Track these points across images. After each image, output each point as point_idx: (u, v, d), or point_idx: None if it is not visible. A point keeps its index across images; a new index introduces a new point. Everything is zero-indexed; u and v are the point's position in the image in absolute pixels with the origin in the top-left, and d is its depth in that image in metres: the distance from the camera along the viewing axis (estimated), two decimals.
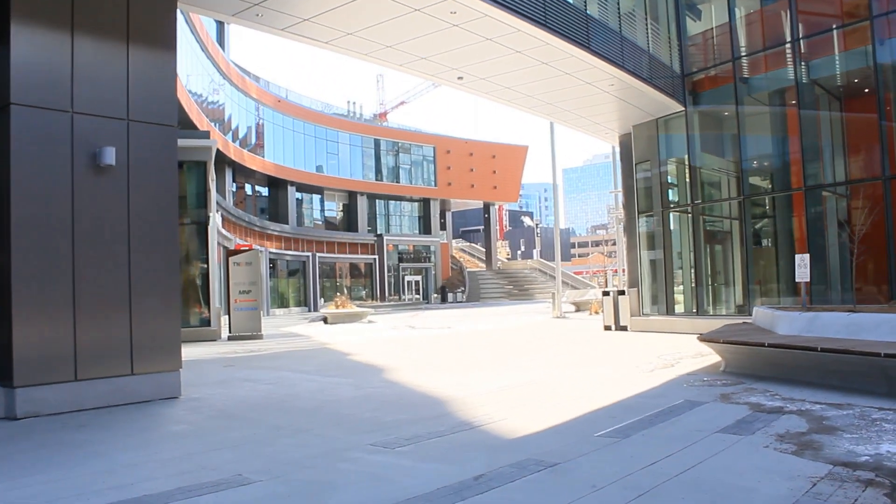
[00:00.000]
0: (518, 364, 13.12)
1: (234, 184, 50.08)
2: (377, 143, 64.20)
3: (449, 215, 74.51)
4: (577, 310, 36.84)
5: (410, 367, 13.16)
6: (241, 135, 49.26)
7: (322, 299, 53.53)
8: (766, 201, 18.46)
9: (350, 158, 61.85)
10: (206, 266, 22.91)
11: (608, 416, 7.78)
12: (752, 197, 17.68)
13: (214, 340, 22.15)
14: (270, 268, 50.33)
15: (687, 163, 18.48)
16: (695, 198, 18.44)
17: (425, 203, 67.96)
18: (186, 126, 32.86)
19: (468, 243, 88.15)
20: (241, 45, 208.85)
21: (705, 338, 10.83)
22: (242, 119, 49.85)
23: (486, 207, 71.93)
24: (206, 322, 22.68)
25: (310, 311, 51.75)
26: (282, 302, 52.57)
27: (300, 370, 13.06)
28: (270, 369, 13.42)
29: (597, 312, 32.15)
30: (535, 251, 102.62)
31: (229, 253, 23.47)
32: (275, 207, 55.94)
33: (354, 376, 11.95)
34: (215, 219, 26.75)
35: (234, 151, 46.44)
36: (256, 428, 7.65)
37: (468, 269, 69.90)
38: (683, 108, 18.25)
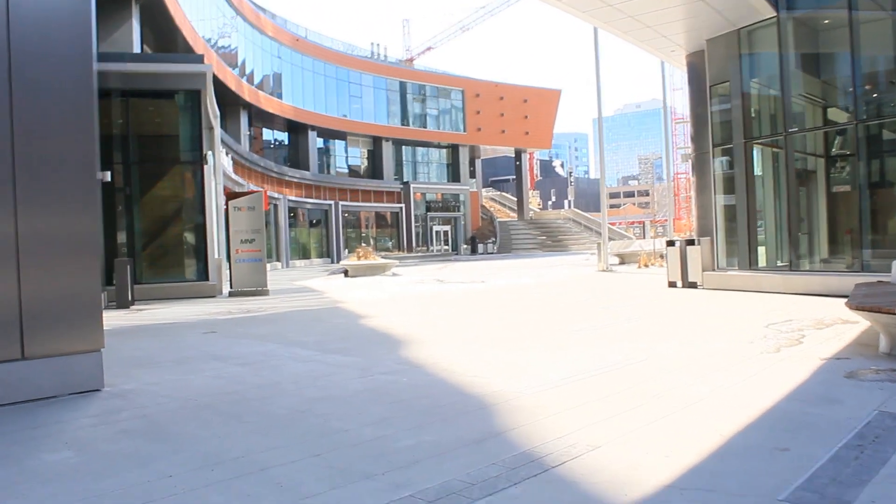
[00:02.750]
0: (579, 335, 9.93)
1: (250, 127, 46.94)
2: (403, 87, 60.64)
3: (478, 163, 71.01)
4: (622, 262, 33.57)
5: (437, 338, 10.04)
6: (256, 75, 45.93)
7: (346, 250, 50.66)
8: (885, 131, 14.84)
9: (374, 102, 58.46)
10: (202, 212, 19.83)
11: (771, 447, 4.58)
12: (868, 122, 14.08)
13: (213, 297, 19.31)
14: (291, 217, 47.44)
15: (779, 82, 14.90)
16: (788, 125, 14.91)
17: (454, 149, 64.50)
18: (181, 50, 29.50)
19: (499, 192, 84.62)
20: None
21: (863, 305, 7.53)
22: (258, 58, 46.51)
23: (518, 154, 68.30)
24: (204, 275, 19.72)
25: (333, 262, 48.95)
26: (303, 253, 49.79)
27: (295, 341, 9.98)
28: (258, 339, 10.37)
29: (646, 265, 28.92)
30: (565, 201, 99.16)
31: (229, 196, 20.40)
32: (295, 153, 52.88)
33: (363, 353, 8.84)
34: (218, 158, 23.66)
35: (248, 92, 43.24)
36: (175, 464, 4.55)
37: (499, 219, 66.59)
38: (775, 13, 14.64)
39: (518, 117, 65.08)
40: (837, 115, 16.46)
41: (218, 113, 25.00)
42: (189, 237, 20.45)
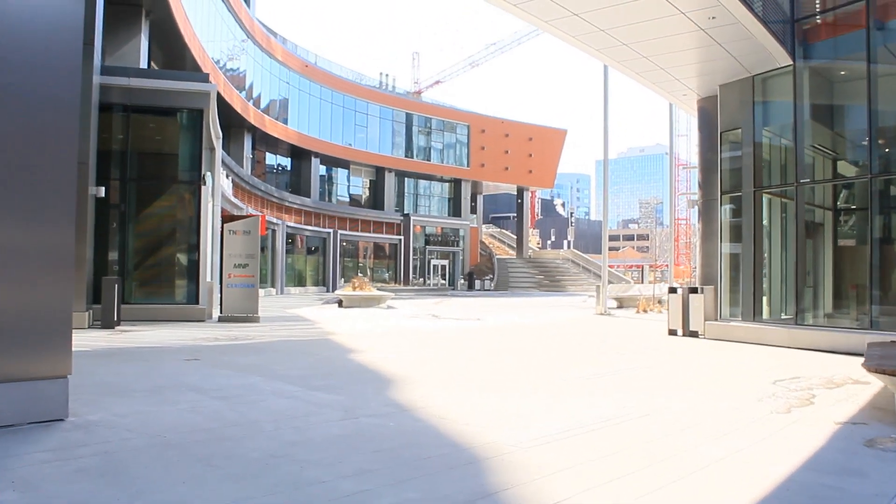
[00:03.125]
0: (578, 383, 9.46)
1: (253, 151, 46.71)
2: (409, 118, 60.57)
3: (480, 198, 70.82)
4: (619, 306, 33.08)
5: (429, 379, 9.56)
6: (262, 99, 45.80)
7: (342, 279, 50.12)
8: None
9: (380, 132, 58.32)
10: (196, 234, 19.41)
11: None
12: (882, 176, 13.68)
13: (202, 321, 18.80)
14: (289, 243, 47.04)
15: (792, 131, 14.56)
16: (800, 176, 14.54)
17: (456, 184, 64.30)
18: (189, 68, 29.31)
19: (498, 229, 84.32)
20: (266, 3, 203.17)
21: (882, 368, 7.08)
22: (265, 82, 46.41)
23: (520, 192, 68.08)
24: (194, 299, 19.24)
25: (328, 290, 48.45)
26: (299, 280, 49.30)
27: (279, 375, 9.50)
28: (241, 370, 9.88)
29: (644, 311, 28.47)
30: (565, 241, 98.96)
31: (225, 219, 19.97)
32: (297, 179, 52.62)
33: (349, 391, 8.35)
34: (217, 180, 23.33)
35: (253, 115, 43.05)
36: None
37: (498, 256, 66.14)
38: (792, 62, 14.36)
39: (522, 155, 64.98)
40: (847, 168, 16.16)
41: (220, 134, 24.70)
42: (181, 259, 20.00)
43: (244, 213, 33.03)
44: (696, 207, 17.68)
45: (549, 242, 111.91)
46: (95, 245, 18.66)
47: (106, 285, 16.31)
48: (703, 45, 13.74)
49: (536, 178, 67.21)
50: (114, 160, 19.31)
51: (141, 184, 19.91)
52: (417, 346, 14.13)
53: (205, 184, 19.85)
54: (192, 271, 19.51)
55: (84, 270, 16.20)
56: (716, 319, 16.22)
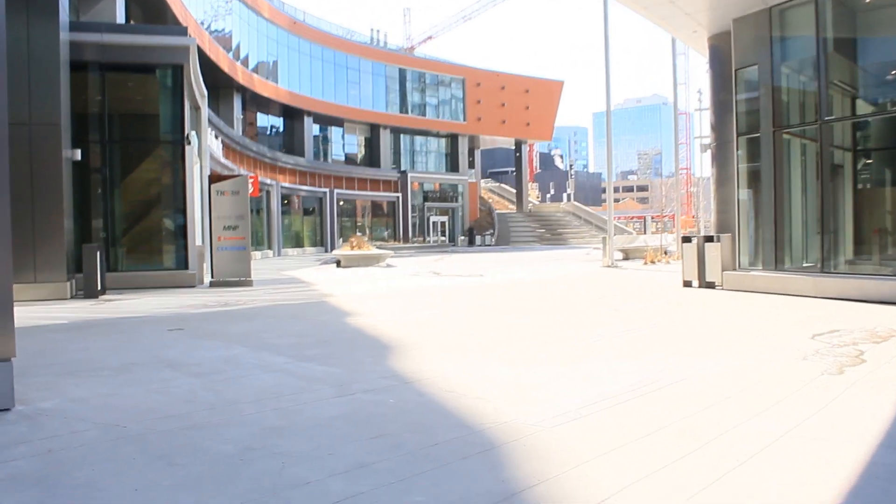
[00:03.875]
0: (597, 344, 8.58)
1: (244, 111, 45.45)
2: (402, 74, 59.15)
3: (478, 153, 69.63)
4: (625, 257, 32.15)
5: (432, 344, 8.69)
6: (251, 58, 44.43)
7: (340, 239, 49.21)
8: None
9: (373, 89, 56.95)
10: (182, 196, 18.44)
11: None
12: None
13: (193, 287, 17.98)
14: (284, 203, 46.10)
15: (815, 67, 13.49)
16: (825, 113, 13.50)
17: (453, 139, 63.09)
18: (168, 21, 27.94)
19: (497, 184, 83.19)
20: None
21: None
22: (253, 41, 44.99)
23: (518, 146, 66.89)
24: (184, 264, 18.35)
25: (326, 251, 47.60)
26: (296, 241, 48.44)
27: (268, 344, 8.63)
28: (226, 340, 9.01)
29: (652, 262, 27.65)
30: (564, 195, 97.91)
31: (212, 179, 18.98)
32: (290, 139, 51.45)
33: (344, 361, 7.48)
34: (205, 140, 22.29)
35: (242, 75, 41.78)
36: None
37: (497, 211, 65.15)
38: None
39: (519, 108, 63.65)
40: (865, 107, 15.18)
41: (205, 92, 23.59)
42: (169, 223, 19.06)
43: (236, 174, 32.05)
44: (709, 151, 16.66)
45: (548, 196, 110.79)
46: (77, 212, 17.72)
47: (87, 253, 15.39)
48: None
49: (534, 131, 65.97)
50: (91, 122, 18.27)
51: (122, 146, 18.93)
52: (419, 307, 13.25)
53: (189, 143, 18.82)
54: (181, 235, 18.60)
55: (61, 238, 15.25)
56: (734, 269, 15.32)
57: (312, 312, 12.51)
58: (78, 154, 16.23)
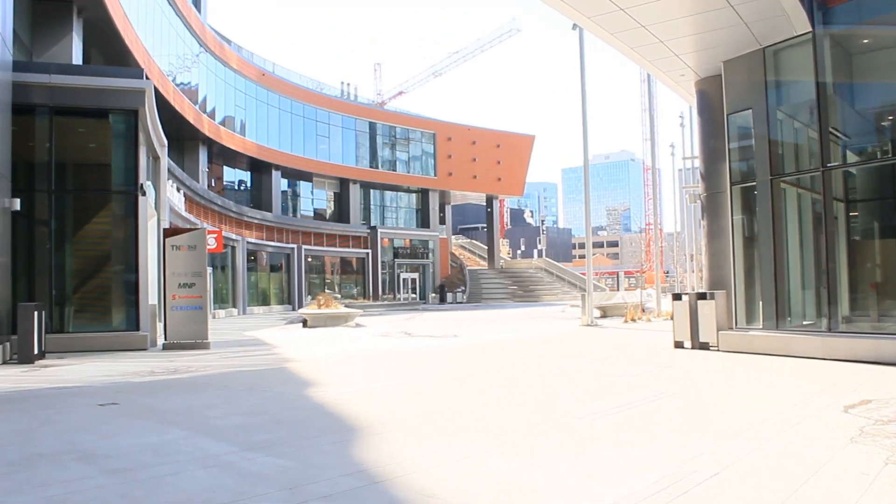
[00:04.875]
0: (599, 423, 7.33)
1: (210, 164, 44.17)
2: (373, 128, 58.42)
3: (448, 209, 68.70)
4: (603, 315, 31.04)
5: (407, 424, 7.37)
6: (218, 109, 43.34)
7: (308, 296, 47.64)
8: None
9: (343, 143, 56.05)
10: (134, 251, 17.05)
11: None
12: None
13: (144, 349, 16.51)
14: (250, 260, 44.55)
15: (816, 110, 12.59)
16: (827, 159, 12.55)
17: (423, 194, 62.20)
18: (124, 62, 26.72)
19: (468, 240, 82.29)
20: (218, 9, 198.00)
21: None
22: (220, 92, 43.93)
23: (489, 201, 66.17)
24: (134, 325, 16.88)
25: (294, 308, 45.98)
26: (263, 299, 46.79)
27: (211, 426, 7.26)
28: (163, 420, 7.63)
29: (633, 320, 26.59)
30: (535, 251, 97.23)
31: (167, 233, 17.62)
32: (258, 193, 50.16)
33: (299, 451, 6.12)
34: (163, 192, 21.03)
35: (208, 127, 40.60)
36: None
37: (469, 268, 64.06)
38: (811, 29, 12.43)
39: (491, 163, 63.06)
40: (862, 154, 14.33)
41: (165, 142, 22.36)
42: (119, 280, 17.60)
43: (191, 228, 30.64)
44: (698, 202, 15.68)
45: (518, 252, 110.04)
46: (17, 266, 16.28)
47: (23, 313, 13.90)
48: (711, 8, 11.74)
49: (506, 186, 65.33)
50: (38, 169, 16.94)
51: (71, 196, 17.63)
52: (389, 375, 11.90)
53: (143, 194, 17.50)
54: (132, 293, 17.13)
55: None
56: (731, 328, 14.22)
57: (270, 382, 11.11)
58: (17, 204, 14.83)
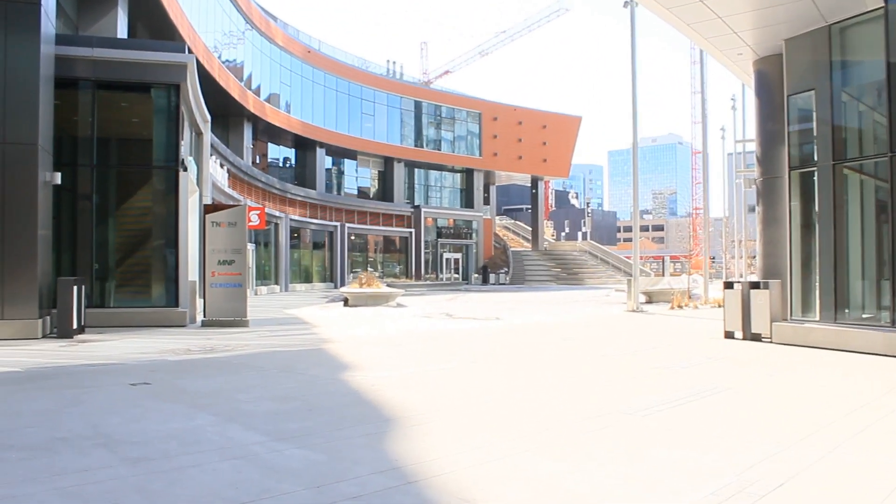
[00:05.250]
0: (651, 420, 6.90)
1: (254, 141, 44.21)
2: (418, 107, 57.98)
3: (493, 189, 68.10)
4: (648, 301, 30.35)
5: (446, 414, 7.01)
6: (263, 86, 43.27)
7: (350, 275, 47.57)
8: None
9: (388, 121, 55.75)
10: (174, 227, 16.92)
11: None
12: None
13: (183, 326, 16.44)
14: (293, 237, 44.53)
15: (886, 91, 11.87)
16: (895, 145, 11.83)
17: (468, 174, 61.70)
18: (169, 37, 26.55)
19: (512, 221, 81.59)
20: None
21: None
22: (266, 69, 43.86)
23: (534, 182, 65.45)
24: (174, 301, 16.78)
25: (336, 286, 45.95)
26: (305, 276, 46.81)
27: (241, 411, 6.98)
28: (193, 403, 7.38)
29: (679, 307, 25.92)
30: (579, 233, 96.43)
31: (207, 209, 17.46)
32: (301, 171, 50.17)
33: (329, 443, 5.79)
34: (205, 167, 20.90)
35: (253, 103, 40.55)
36: None
37: (512, 249, 63.51)
38: (884, 3, 11.69)
39: (536, 143, 62.27)
40: None
41: (209, 117, 22.22)
42: (159, 256, 17.50)
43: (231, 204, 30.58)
44: (753, 187, 15.03)
45: (563, 234, 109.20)
46: (59, 242, 16.28)
47: (62, 287, 13.83)
48: None
49: (551, 167, 64.53)
50: (80, 144, 16.85)
51: (111, 170, 17.51)
52: (429, 359, 11.56)
53: (184, 170, 17.34)
54: (172, 269, 17.01)
55: (33, 270, 13.69)
56: (785, 320, 13.59)
57: (305, 364, 10.84)
58: (58, 177, 14.74)
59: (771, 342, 13.57)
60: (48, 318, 14.19)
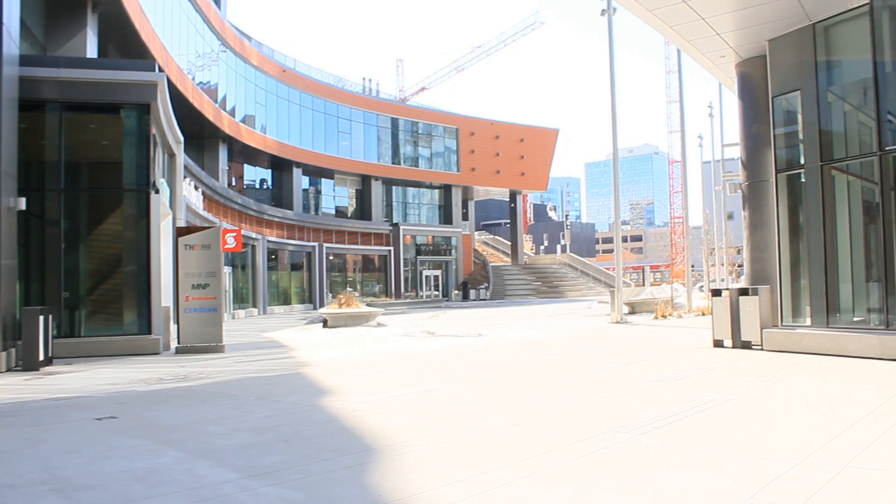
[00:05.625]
0: (652, 438, 6.51)
1: (230, 162, 43.62)
2: (395, 123, 57.66)
3: (471, 205, 67.81)
4: (631, 311, 30.02)
5: (432, 442, 6.55)
6: (238, 107, 42.77)
7: (329, 294, 47.05)
8: None
9: (364, 140, 55.35)
10: (146, 251, 16.39)
11: None
12: None
13: (156, 353, 15.87)
14: (271, 259, 43.90)
15: (873, 89, 11.60)
16: (885, 143, 11.57)
17: (446, 190, 61.36)
18: (141, 58, 25.95)
19: (491, 236, 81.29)
20: (237, 6, 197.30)
21: None
22: (240, 88, 43.37)
23: (513, 196, 65.24)
24: (146, 328, 16.23)
25: (315, 307, 45.37)
26: (283, 298, 46.14)
27: (210, 446, 6.51)
28: (159, 438, 6.89)
29: (663, 316, 25.60)
30: (558, 246, 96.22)
31: (180, 232, 16.93)
32: (279, 192, 49.57)
33: (307, 477, 5.33)
34: (178, 190, 20.42)
35: (228, 124, 40.02)
36: None
37: (492, 264, 63.19)
38: (868, 1, 11.45)
39: (514, 157, 62.09)
40: None
41: (181, 138, 21.74)
42: (131, 281, 16.94)
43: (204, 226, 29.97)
44: (739, 192, 14.75)
45: (542, 248, 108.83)
46: (31, 268, 15.74)
47: (27, 318, 13.23)
48: None
49: (529, 181, 64.34)
50: (47, 167, 16.32)
51: (81, 194, 17.03)
52: (412, 381, 11.09)
53: (157, 192, 16.84)
54: (144, 296, 16.47)
55: None
56: (775, 326, 13.29)
57: (283, 390, 10.34)
58: (22, 203, 14.17)
59: (762, 349, 13.26)
60: (13, 350, 13.58)
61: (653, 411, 7.61)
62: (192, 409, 8.67)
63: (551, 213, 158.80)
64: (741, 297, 13.81)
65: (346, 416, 7.85)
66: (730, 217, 38.39)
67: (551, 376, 11.15)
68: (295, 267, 48.33)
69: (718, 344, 14.28)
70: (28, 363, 13.14)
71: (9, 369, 13.24)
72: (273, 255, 44.85)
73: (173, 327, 17.59)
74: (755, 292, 13.62)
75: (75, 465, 5.85)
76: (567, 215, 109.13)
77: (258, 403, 8.96)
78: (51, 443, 6.82)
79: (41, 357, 13.38)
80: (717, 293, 14.64)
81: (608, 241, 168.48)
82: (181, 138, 21.88)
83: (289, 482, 5.15)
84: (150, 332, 16.22)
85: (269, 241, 42.89)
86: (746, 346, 13.69)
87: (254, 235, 40.41)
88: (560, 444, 6.25)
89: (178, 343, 16.44)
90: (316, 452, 6.16)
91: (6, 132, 13.64)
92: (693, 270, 65.73)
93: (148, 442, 6.70)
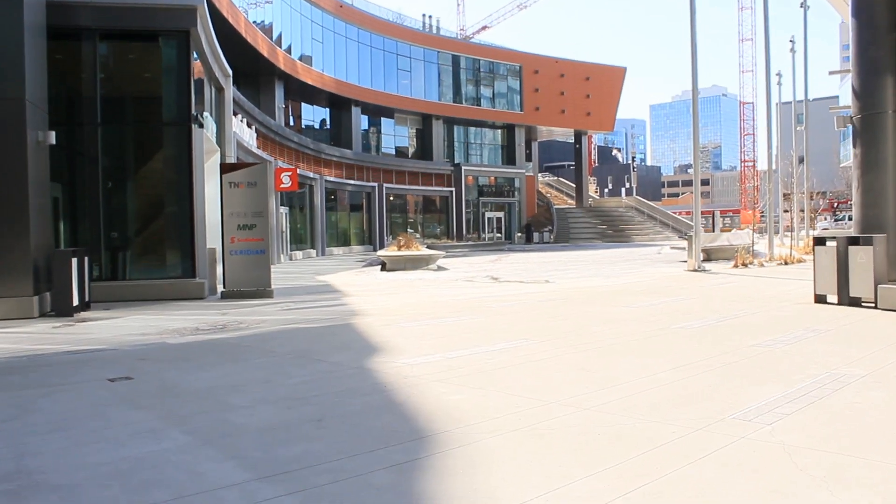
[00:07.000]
0: (780, 427, 5.10)
1: (287, 101, 42.45)
2: (456, 61, 55.69)
3: (535, 146, 65.77)
4: (707, 258, 28.09)
5: (502, 429, 5.17)
6: (294, 43, 41.42)
7: (389, 236, 45.95)
8: None
9: (425, 78, 53.61)
10: (188, 189, 15.29)
11: None
12: None
13: (201, 298, 14.87)
14: (329, 199, 42.92)
15: None
16: None
17: (509, 130, 59.39)
18: None
19: (555, 178, 79.10)
20: None
21: None
22: (296, 25, 41.98)
23: (577, 137, 62.98)
24: (190, 271, 15.22)
25: (375, 249, 44.38)
26: (342, 239, 45.29)
27: (227, 425, 5.29)
28: (167, 414, 5.70)
29: (744, 265, 23.68)
30: (623, 189, 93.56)
31: (224, 169, 15.75)
32: (337, 131, 48.41)
33: (337, 482, 4.04)
34: (227, 126, 19.25)
35: (283, 61, 38.78)
36: None
37: (556, 206, 61.29)
38: None
39: (579, 96, 59.66)
40: None
41: (230, 72, 20.56)
42: (173, 221, 15.93)
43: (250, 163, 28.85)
44: (851, 127, 12.88)
45: (606, 191, 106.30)
46: (76, 208, 14.82)
47: (58, 260, 12.28)
48: None
49: (595, 121, 61.92)
50: (82, 100, 15.26)
51: (119, 128, 15.89)
52: (475, 337, 9.71)
53: (200, 126, 15.67)
54: (186, 236, 15.43)
55: (25, 241, 12.11)
56: (893, 281, 11.55)
57: (327, 345, 9.11)
58: (52, 137, 13.09)
59: (875, 308, 11.53)
60: (46, 294, 12.66)
61: (772, 388, 6.13)
62: (220, 369, 7.49)
63: (616, 156, 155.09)
64: (850, 248, 12.05)
65: (396, 384, 6.55)
66: (800, 161, 35.93)
67: (634, 336, 9.66)
68: (354, 208, 47.33)
69: (820, 299, 12.59)
70: (61, 308, 12.23)
71: (42, 314, 12.34)
72: (332, 195, 43.86)
73: (221, 270, 16.60)
74: (867, 241, 11.83)
75: (54, 449, 4.67)
76: (633, 157, 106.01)
77: (296, 363, 7.73)
78: (44, 413, 5.70)
79: (75, 302, 12.45)
80: (820, 242, 12.89)
81: (674, 184, 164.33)
82: (229, 71, 20.67)
83: (312, 488, 3.87)
84: (194, 276, 15.23)
85: (327, 181, 41.84)
86: (855, 302, 11.98)
87: (311, 175, 39.37)
88: (667, 436, 4.83)
89: (224, 287, 15.42)
90: (354, 438, 4.87)
91: (31, 61, 12.48)
92: (763, 218, 62.98)
93: (154, 416, 5.51)
